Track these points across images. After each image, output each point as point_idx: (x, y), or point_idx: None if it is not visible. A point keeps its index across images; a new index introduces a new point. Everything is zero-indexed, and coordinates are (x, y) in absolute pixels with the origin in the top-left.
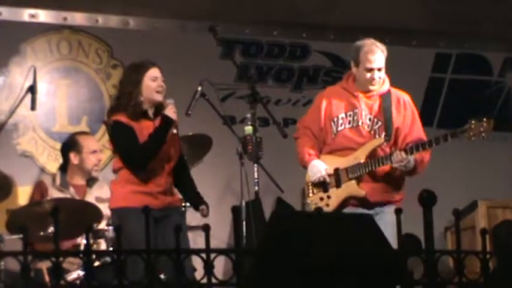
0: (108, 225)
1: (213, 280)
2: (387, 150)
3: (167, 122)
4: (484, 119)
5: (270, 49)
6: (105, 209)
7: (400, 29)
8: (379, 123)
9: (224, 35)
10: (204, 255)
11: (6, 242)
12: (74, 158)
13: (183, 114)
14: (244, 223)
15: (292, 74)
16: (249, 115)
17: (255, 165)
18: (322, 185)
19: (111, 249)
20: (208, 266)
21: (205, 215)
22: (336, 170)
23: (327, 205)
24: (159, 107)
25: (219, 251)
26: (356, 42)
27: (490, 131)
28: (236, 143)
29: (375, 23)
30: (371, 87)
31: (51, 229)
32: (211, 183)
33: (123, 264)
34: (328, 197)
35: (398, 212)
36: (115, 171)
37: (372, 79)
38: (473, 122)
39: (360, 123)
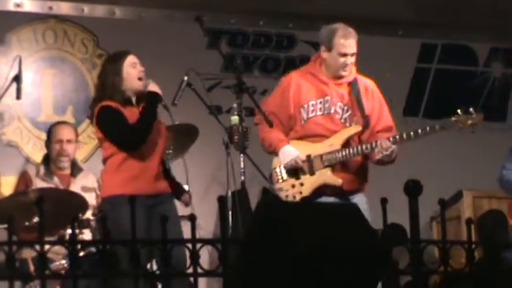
0: (93, 215)
1: (199, 270)
2: (356, 139)
3: (154, 97)
4: (473, 111)
5: (256, 39)
6: (90, 199)
7: (386, 19)
8: (349, 111)
9: (210, 25)
10: (190, 245)
11: None
12: (53, 147)
13: (169, 104)
14: (230, 213)
15: (278, 64)
16: (235, 105)
17: (241, 155)
18: (293, 172)
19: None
20: (194, 256)
21: (187, 204)
22: (309, 156)
23: (300, 192)
24: (140, 96)
25: (205, 241)
26: (327, 26)
27: (479, 124)
28: (222, 133)
29: (361, 13)
30: (343, 73)
31: (36, 219)
32: (197, 173)
33: (109, 253)
34: (301, 184)
35: (383, 201)
36: (105, 160)
37: (345, 65)
38: (461, 113)
39: (331, 111)
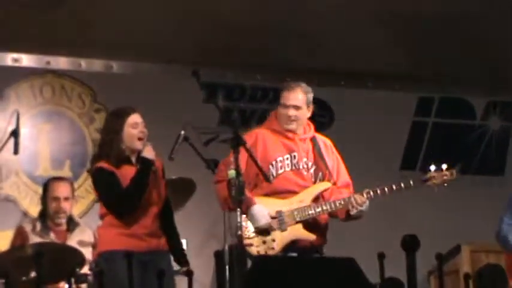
0: (90, 269)
1: None
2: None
3: (146, 164)
4: (445, 169)
5: (254, 93)
6: (87, 254)
7: (382, 74)
8: (314, 166)
9: (207, 79)
10: None
11: None
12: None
13: (166, 159)
14: (227, 268)
15: None
16: (232, 159)
17: (238, 209)
18: (264, 228)
19: None
20: None
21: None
22: (279, 212)
23: (272, 248)
24: (141, 153)
25: None
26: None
27: (453, 180)
28: None
29: (358, 67)
30: (286, 126)
31: (33, 274)
32: (194, 227)
33: None
34: (273, 240)
35: (381, 256)
36: (101, 216)
37: (288, 116)
38: (433, 171)
39: (300, 167)
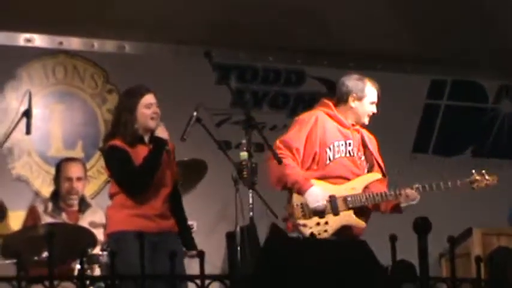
0: (102, 250)
1: None
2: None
3: (159, 143)
4: (488, 175)
5: (266, 75)
6: (99, 234)
7: (394, 56)
8: (363, 157)
9: (219, 60)
10: (198, 282)
11: (0, 267)
12: (56, 183)
13: (178, 140)
14: (238, 249)
15: (287, 100)
16: (244, 141)
17: (250, 191)
18: (316, 211)
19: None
20: None
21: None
22: (333, 197)
23: (325, 230)
24: (154, 133)
25: (214, 277)
26: (349, 76)
27: (494, 184)
28: (231, 169)
29: (370, 49)
30: (366, 121)
31: (45, 254)
32: (206, 208)
33: None
34: (326, 222)
35: (393, 238)
36: (111, 196)
37: (373, 113)
38: (477, 176)
39: (354, 155)
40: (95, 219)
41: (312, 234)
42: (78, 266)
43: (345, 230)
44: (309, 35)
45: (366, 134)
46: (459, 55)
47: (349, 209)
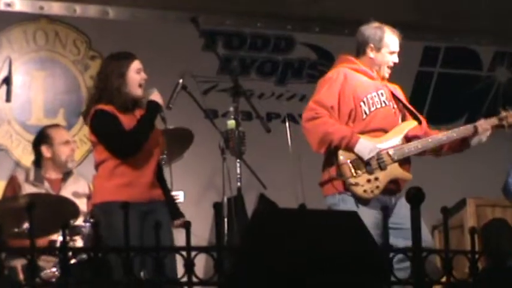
0: (85, 221)
1: (194, 279)
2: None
3: (154, 107)
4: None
5: (254, 41)
6: (81, 205)
7: (387, 22)
8: (395, 106)
9: (206, 27)
10: (184, 253)
11: None
12: (46, 151)
13: (163, 108)
14: (226, 220)
15: (276, 67)
16: (231, 109)
17: (238, 160)
18: (363, 166)
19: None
20: (189, 264)
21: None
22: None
23: (377, 187)
24: (136, 103)
25: (200, 249)
26: (368, 25)
27: None
28: (218, 138)
29: (361, 15)
30: (387, 72)
31: (26, 225)
32: (192, 178)
33: (101, 261)
34: (376, 178)
35: (385, 209)
36: (98, 164)
37: (393, 63)
38: (504, 112)
39: (388, 104)
40: (77, 189)
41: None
42: (60, 238)
43: (392, 184)
44: (299, 1)
45: (389, 85)
46: (453, 21)
47: (394, 161)
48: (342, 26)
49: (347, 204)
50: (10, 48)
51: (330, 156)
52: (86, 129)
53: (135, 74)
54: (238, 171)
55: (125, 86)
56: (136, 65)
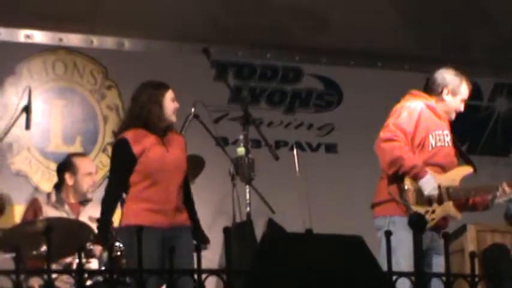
0: None
1: None
2: None
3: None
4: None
5: (263, 72)
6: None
7: (392, 54)
8: (454, 149)
9: (217, 57)
10: (195, 276)
11: (0, 261)
12: (69, 178)
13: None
14: (235, 244)
15: (284, 97)
16: (241, 136)
17: (247, 186)
18: (426, 197)
19: (103, 268)
20: (200, 286)
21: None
22: (439, 186)
23: (432, 219)
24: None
25: (211, 272)
26: (447, 69)
27: None
28: (228, 164)
29: (368, 47)
30: (451, 116)
31: (43, 248)
32: (203, 203)
33: (115, 283)
34: (433, 211)
35: (388, 233)
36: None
37: (461, 111)
38: None
39: (450, 145)
40: (94, 213)
41: (423, 217)
42: (76, 260)
43: (442, 220)
44: (307, 33)
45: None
46: (455, 54)
47: (450, 199)
48: (348, 57)
49: (395, 226)
50: (30, 78)
51: (393, 181)
52: (101, 156)
53: (170, 102)
54: (247, 196)
55: (161, 113)
56: (170, 94)
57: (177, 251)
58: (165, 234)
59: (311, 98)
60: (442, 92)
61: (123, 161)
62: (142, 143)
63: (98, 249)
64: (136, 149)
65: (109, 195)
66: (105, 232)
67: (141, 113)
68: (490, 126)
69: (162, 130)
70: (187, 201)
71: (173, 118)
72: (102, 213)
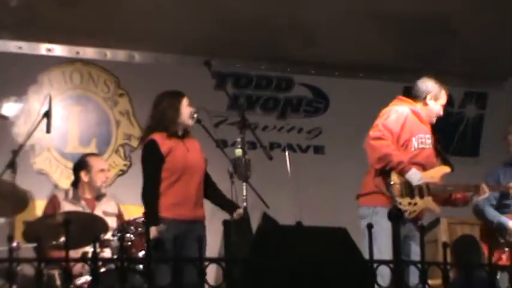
0: (113, 235)
1: (206, 286)
2: None
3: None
4: None
5: (259, 81)
6: (111, 222)
7: (372, 66)
8: (434, 151)
9: (217, 69)
10: (198, 263)
11: (23, 250)
12: (84, 176)
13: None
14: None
15: (277, 104)
16: (239, 139)
17: (244, 183)
18: (409, 191)
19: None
20: (202, 273)
21: (240, 216)
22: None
23: (414, 211)
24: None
25: (211, 260)
26: (428, 78)
27: None
28: (227, 164)
29: (351, 60)
30: (432, 120)
31: (62, 239)
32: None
33: (125, 270)
34: (415, 203)
35: (370, 226)
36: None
37: (441, 115)
38: None
39: (431, 147)
40: (108, 209)
41: (400, 211)
42: (91, 250)
43: (422, 212)
44: (297, 48)
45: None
46: (429, 65)
47: (429, 194)
48: (333, 69)
49: (377, 216)
50: (50, 87)
51: (380, 175)
52: (114, 157)
53: (186, 107)
54: (244, 193)
55: (179, 118)
56: (186, 100)
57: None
58: (186, 227)
59: (301, 105)
60: (425, 97)
61: (154, 159)
62: (167, 143)
63: (153, 230)
64: (163, 149)
65: (147, 189)
66: (155, 217)
67: (163, 118)
68: (461, 130)
69: (181, 133)
70: (216, 190)
71: (190, 122)
72: (147, 203)
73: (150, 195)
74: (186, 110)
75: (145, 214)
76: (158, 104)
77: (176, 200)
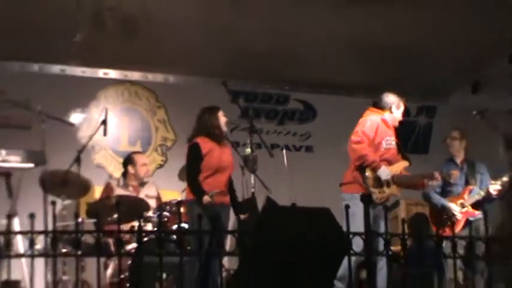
0: (153, 213)
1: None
2: None
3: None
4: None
5: (263, 97)
6: (152, 203)
7: (351, 85)
8: (396, 149)
9: (232, 88)
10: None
11: (86, 224)
12: (131, 169)
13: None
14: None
15: (277, 114)
16: (248, 141)
17: (252, 174)
18: (379, 182)
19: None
20: (221, 242)
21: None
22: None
23: (383, 197)
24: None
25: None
26: (391, 93)
27: None
28: (239, 160)
29: (335, 80)
30: (395, 124)
31: (115, 215)
32: None
33: (163, 239)
34: (383, 191)
35: (347, 207)
36: None
37: (401, 119)
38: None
39: (395, 147)
40: (149, 192)
41: (370, 196)
42: (136, 224)
43: (388, 197)
44: (293, 70)
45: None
46: (391, 85)
47: (394, 183)
48: (321, 87)
49: (355, 200)
50: (106, 101)
51: (358, 170)
52: (154, 154)
53: (222, 117)
54: (252, 181)
55: (218, 125)
56: (221, 112)
57: (221, 220)
58: (217, 209)
59: (295, 115)
60: (391, 107)
61: (196, 157)
62: (207, 146)
63: (206, 198)
64: (204, 150)
65: (191, 177)
66: (202, 190)
67: (205, 126)
68: (415, 133)
69: (218, 137)
70: (233, 193)
71: (225, 128)
72: (193, 186)
73: (194, 180)
74: (222, 119)
75: (194, 192)
76: (201, 116)
77: (210, 189)
